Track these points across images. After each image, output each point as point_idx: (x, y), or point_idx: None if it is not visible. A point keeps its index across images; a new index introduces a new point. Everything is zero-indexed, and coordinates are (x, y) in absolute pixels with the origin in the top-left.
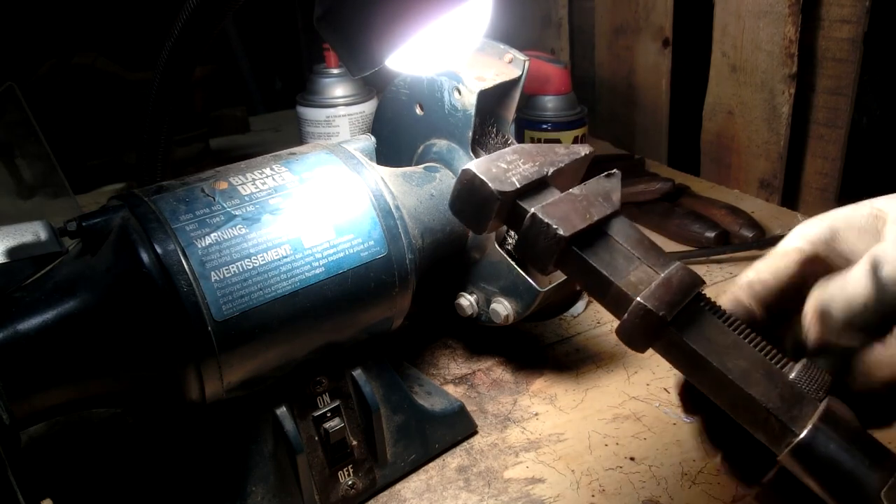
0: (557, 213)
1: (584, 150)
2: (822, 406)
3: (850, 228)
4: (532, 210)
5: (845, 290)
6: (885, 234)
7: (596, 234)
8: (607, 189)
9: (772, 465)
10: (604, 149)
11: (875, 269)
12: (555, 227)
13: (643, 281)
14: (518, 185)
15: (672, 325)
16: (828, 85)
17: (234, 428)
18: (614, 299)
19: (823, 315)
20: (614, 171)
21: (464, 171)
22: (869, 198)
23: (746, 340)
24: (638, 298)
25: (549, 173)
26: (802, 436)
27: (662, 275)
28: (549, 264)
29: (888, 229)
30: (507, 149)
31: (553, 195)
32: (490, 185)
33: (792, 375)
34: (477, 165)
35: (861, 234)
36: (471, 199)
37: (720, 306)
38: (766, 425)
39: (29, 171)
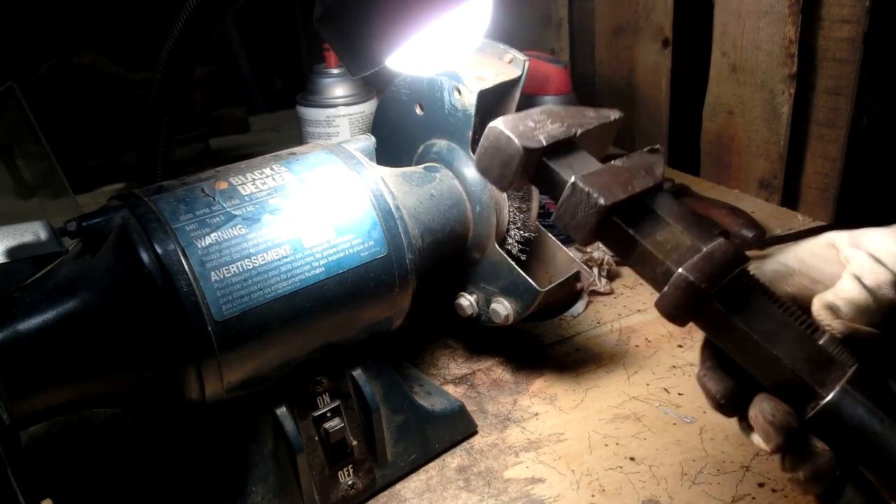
0: (599, 182)
1: (613, 114)
2: (850, 370)
3: (815, 257)
4: (573, 179)
5: (844, 292)
6: (848, 255)
7: (638, 205)
8: (650, 162)
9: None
10: None
11: (860, 280)
12: (595, 195)
13: (685, 254)
14: (544, 143)
15: (714, 299)
16: (828, 85)
17: (234, 428)
18: (655, 271)
19: (835, 312)
20: (657, 146)
21: (490, 127)
22: (867, 198)
23: (786, 314)
24: (680, 270)
25: (577, 134)
26: (829, 398)
27: (705, 249)
28: (589, 234)
29: (848, 253)
30: (534, 109)
31: (581, 156)
32: (516, 140)
33: (821, 342)
34: (504, 122)
35: (824, 261)
36: (497, 155)
37: (763, 283)
38: (792, 387)
39: (29, 171)
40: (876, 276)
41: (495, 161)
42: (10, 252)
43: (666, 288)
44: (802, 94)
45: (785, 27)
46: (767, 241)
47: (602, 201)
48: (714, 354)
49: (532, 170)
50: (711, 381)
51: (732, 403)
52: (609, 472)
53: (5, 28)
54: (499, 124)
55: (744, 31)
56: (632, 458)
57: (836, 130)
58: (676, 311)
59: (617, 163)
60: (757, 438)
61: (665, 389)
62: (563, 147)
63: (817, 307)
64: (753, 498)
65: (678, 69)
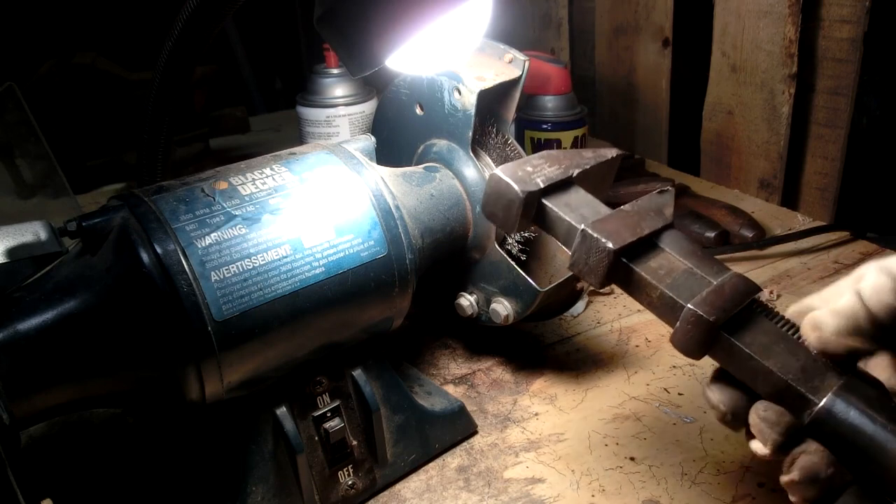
0: (607, 228)
1: (610, 153)
2: (845, 376)
3: (838, 295)
4: (581, 227)
5: (834, 303)
6: (864, 274)
7: (647, 246)
8: (660, 204)
9: None
10: None
11: (856, 285)
12: (604, 240)
13: (695, 289)
14: (542, 186)
15: (723, 330)
16: (828, 85)
17: (234, 428)
18: (666, 308)
19: (818, 324)
20: (668, 187)
21: (491, 175)
22: (867, 198)
23: (783, 328)
24: (689, 305)
25: (574, 175)
26: (822, 404)
27: (715, 283)
28: (602, 277)
29: (866, 272)
30: (534, 155)
31: (579, 195)
32: (515, 186)
33: (816, 351)
34: (503, 169)
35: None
36: (499, 200)
37: (777, 312)
38: (788, 396)
39: (29, 171)
40: (876, 285)
41: (498, 206)
42: (10, 252)
43: (678, 323)
44: (802, 94)
45: (785, 27)
46: (767, 241)
47: (611, 245)
48: (721, 369)
49: (533, 211)
50: (716, 393)
51: (735, 415)
52: (609, 472)
53: (5, 28)
54: (499, 172)
55: (744, 31)
56: (632, 458)
57: (836, 130)
58: (691, 345)
59: (626, 207)
60: (756, 445)
61: (665, 389)
62: (560, 188)
63: (804, 321)
64: (753, 498)
65: (678, 69)
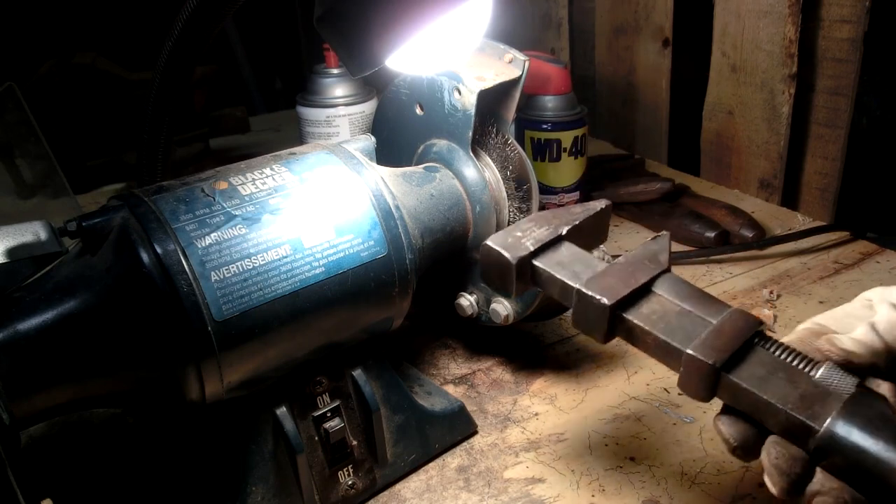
0: (602, 284)
1: (600, 204)
2: (847, 396)
3: (848, 316)
4: (577, 286)
5: (854, 333)
6: (877, 309)
7: (643, 295)
8: (654, 251)
9: None
10: (604, 149)
11: (874, 326)
12: (598, 297)
13: (690, 331)
14: (532, 249)
15: (724, 370)
16: (828, 85)
17: (234, 428)
18: (663, 352)
19: (839, 342)
20: (664, 232)
21: (482, 246)
22: (867, 198)
23: (782, 356)
24: (688, 350)
25: (565, 232)
26: (822, 430)
27: (715, 323)
28: (605, 333)
29: (878, 307)
30: (524, 218)
31: (571, 251)
32: (505, 253)
33: (818, 375)
34: (493, 239)
35: (856, 319)
36: (494, 268)
37: (779, 342)
38: (791, 426)
39: (29, 171)
40: (891, 319)
41: (494, 273)
42: (10, 252)
43: (681, 369)
44: (802, 94)
45: (785, 27)
46: (767, 241)
47: (605, 301)
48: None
49: (528, 274)
50: (725, 425)
51: (745, 448)
52: (609, 472)
53: (5, 28)
54: (489, 242)
55: (744, 31)
56: (632, 458)
57: (836, 130)
58: (697, 390)
59: (621, 259)
60: (769, 482)
61: (665, 389)
62: (551, 247)
63: (822, 340)
64: (754, 498)
65: (678, 69)
